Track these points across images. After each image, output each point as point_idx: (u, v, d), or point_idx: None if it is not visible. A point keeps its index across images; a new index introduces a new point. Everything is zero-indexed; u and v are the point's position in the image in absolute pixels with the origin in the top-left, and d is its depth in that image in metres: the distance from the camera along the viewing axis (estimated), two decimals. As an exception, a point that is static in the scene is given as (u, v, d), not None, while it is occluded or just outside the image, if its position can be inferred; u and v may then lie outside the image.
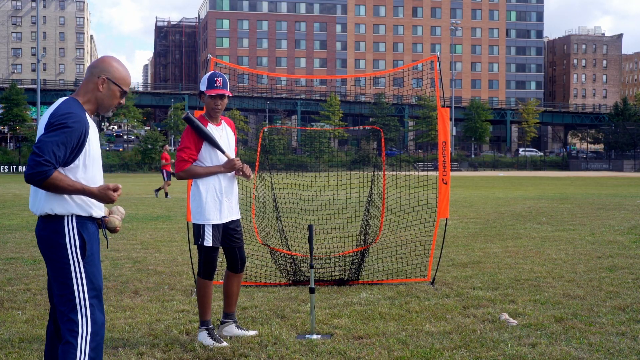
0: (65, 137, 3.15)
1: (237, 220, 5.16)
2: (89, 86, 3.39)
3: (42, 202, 3.28)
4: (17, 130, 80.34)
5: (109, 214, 3.52)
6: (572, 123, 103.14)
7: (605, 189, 29.91)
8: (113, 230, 3.49)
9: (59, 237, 3.27)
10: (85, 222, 3.33)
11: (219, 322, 5.34)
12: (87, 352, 3.23)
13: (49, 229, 3.29)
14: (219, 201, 4.96)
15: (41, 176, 3.09)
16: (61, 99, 3.34)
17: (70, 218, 3.29)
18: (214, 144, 4.90)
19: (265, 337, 5.11)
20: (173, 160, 20.33)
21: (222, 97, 4.98)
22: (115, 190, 3.29)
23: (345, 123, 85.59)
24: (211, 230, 4.93)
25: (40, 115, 71.48)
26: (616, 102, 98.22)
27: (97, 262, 3.38)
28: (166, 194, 22.44)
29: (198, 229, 4.96)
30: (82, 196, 3.28)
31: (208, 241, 4.93)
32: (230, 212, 5.04)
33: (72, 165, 3.25)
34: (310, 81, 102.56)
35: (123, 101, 3.46)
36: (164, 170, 22.39)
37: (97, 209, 3.40)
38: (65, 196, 3.25)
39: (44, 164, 3.08)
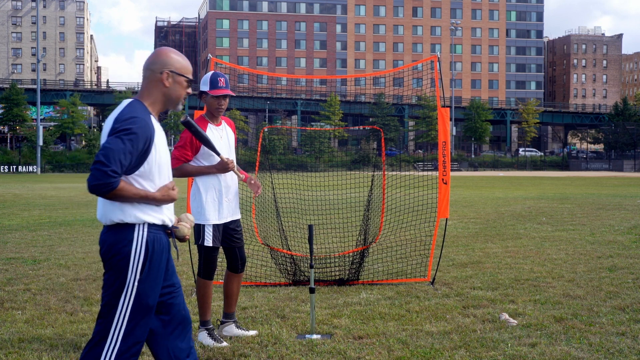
0: (131, 145, 2.97)
1: (238, 220, 5.15)
2: (153, 84, 3.21)
3: (111, 212, 3.09)
4: (17, 130, 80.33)
5: (177, 222, 3.34)
6: (572, 123, 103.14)
7: (605, 189, 29.91)
8: (182, 240, 3.32)
9: (124, 245, 3.08)
10: (156, 232, 3.16)
11: (219, 322, 5.33)
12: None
13: (116, 236, 3.09)
14: (219, 201, 4.95)
15: (108, 187, 2.92)
16: (125, 102, 3.16)
17: (141, 227, 3.11)
18: (211, 148, 4.87)
19: (265, 337, 5.11)
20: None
21: (225, 97, 4.98)
22: (173, 188, 3.18)
23: (345, 123, 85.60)
24: (211, 230, 4.93)
25: (41, 116, 71.25)
26: (616, 102, 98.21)
27: (158, 277, 3.18)
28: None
29: (198, 229, 4.96)
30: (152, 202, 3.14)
31: (208, 241, 4.93)
32: (230, 212, 5.04)
33: (135, 172, 3.07)
34: (310, 81, 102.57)
35: (190, 91, 3.32)
36: None
37: (169, 217, 3.24)
38: (139, 204, 3.09)
39: (111, 175, 2.90)
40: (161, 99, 3.22)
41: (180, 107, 3.33)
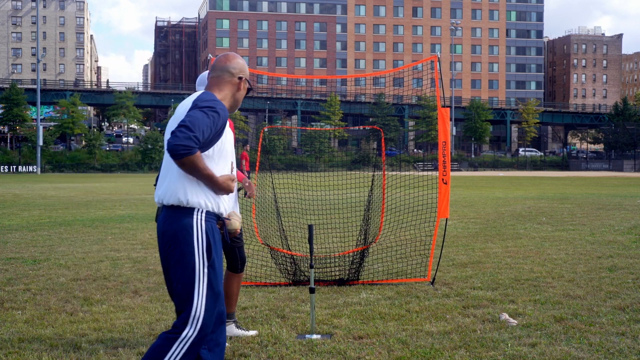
0: (211, 121, 3.06)
1: None
2: (227, 86, 3.34)
3: (174, 188, 3.13)
4: (17, 130, 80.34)
5: (228, 217, 3.40)
6: (572, 123, 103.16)
7: (605, 189, 29.91)
8: (232, 233, 3.37)
9: (187, 234, 3.13)
10: (212, 221, 3.21)
11: None
12: (182, 353, 3.10)
13: (177, 224, 3.13)
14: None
15: (187, 150, 2.94)
16: (199, 92, 3.26)
17: (200, 213, 3.16)
18: None
19: (265, 337, 5.11)
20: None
21: None
22: (233, 180, 3.22)
23: (345, 123, 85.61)
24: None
25: (41, 116, 71.22)
26: (616, 102, 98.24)
27: (220, 265, 3.25)
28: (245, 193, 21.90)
29: None
30: (216, 195, 3.19)
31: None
32: (229, 211, 5.06)
33: (205, 153, 3.14)
34: (310, 81, 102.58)
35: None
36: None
37: (225, 208, 3.28)
38: (200, 185, 3.13)
39: (193, 140, 2.95)
40: (230, 100, 3.36)
41: (236, 110, 3.47)
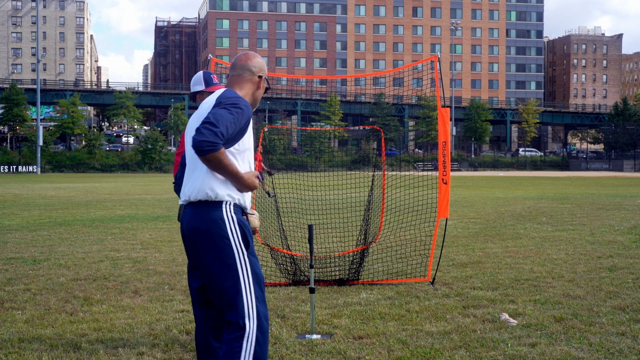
0: (235, 118, 3.07)
1: None
2: (247, 84, 3.36)
3: (202, 185, 3.13)
4: (17, 130, 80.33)
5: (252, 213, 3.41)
6: (572, 123, 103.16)
7: (605, 189, 29.91)
8: (253, 231, 3.37)
9: (219, 228, 3.12)
10: (239, 213, 3.21)
11: None
12: (253, 347, 3.11)
13: (207, 220, 3.13)
14: None
15: (212, 146, 2.95)
16: (221, 90, 3.29)
17: (228, 205, 3.15)
18: None
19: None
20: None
21: None
22: (257, 176, 3.23)
23: (345, 123, 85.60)
24: None
25: (41, 116, 71.17)
26: (616, 102, 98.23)
27: (255, 253, 3.28)
28: (268, 193, 21.56)
29: None
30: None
31: None
32: None
33: (229, 150, 3.15)
34: (310, 81, 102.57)
35: None
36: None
37: (248, 203, 3.28)
38: (230, 185, 3.14)
39: (218, 135, 2.97)
40: (250, 98, 3.37)
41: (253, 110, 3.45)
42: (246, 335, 3.10)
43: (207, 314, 3.34)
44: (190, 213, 3.20)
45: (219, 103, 3.14)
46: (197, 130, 2.99)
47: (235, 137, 3.12)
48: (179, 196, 3.51)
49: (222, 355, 3.13)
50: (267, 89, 3.48)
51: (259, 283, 3.21)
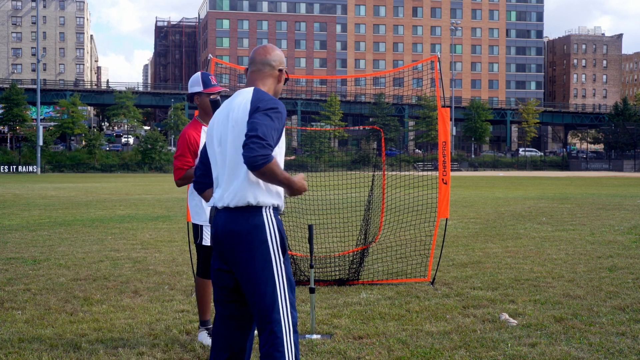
0: (277, 123, 3.03)
1: None
2: (269, 79, 3.30)
3: (244, 192, 3.08)
4: (17, 130, 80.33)
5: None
6: (572, 123, 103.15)
7: (605, 189, 29.91)
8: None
9: (260, 232, 3.09)
10: (277, 214, 3.18)
11: (199, 327, 5.28)
12: (293, 351, 3.11)
13: (247, 224, 3.08)
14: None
15: (265, 160, 2.91)
16: (251, 89, 3.20)
17: (268, 210, 3.12)
18: None
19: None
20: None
21: (219, 93, 5.01)
22: (305, 179, 3.19)
23: (345, 123, 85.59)
24: (209, 230, 4.95)
25: (41, 116, 70.95)
26: (616, 102, 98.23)
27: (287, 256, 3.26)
28: None
29: (197, 229, 4.99)
30: (277, 186, 3.14)
31: (206, 240, 4.96)
32: None
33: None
34: (310, 81, 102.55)
35: None
36: None
37: (282, 203, 3.24)
38: (269, 187, 3.10)
39: (268, 148, 2.92)
40: (272, 93, 3.32)
41: None
42: (284, 340, 3.11)
43: (233, 314, 3.31)
44: (228, 217, 3.14)
45: (256, 108, 3.06)
46: (246, 145, 2.93)
47: (277, 142, 3.09)
48: (201, 196, 3.47)
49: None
50: (285, 80, 3.44)
51: (292, 289, 3.21)
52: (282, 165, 3.23)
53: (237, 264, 3.15)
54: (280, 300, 3.13)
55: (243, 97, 3.17)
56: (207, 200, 3.43)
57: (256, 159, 2.91)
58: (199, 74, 5.00)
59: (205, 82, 4.95)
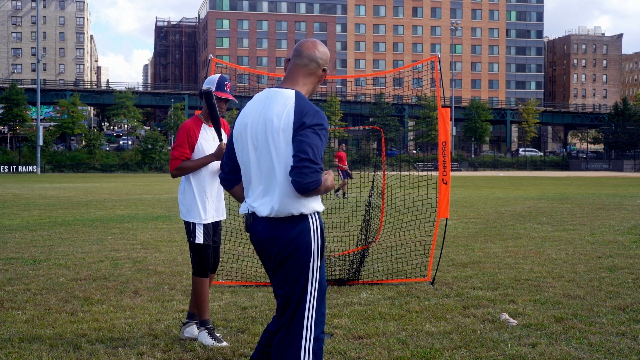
0: (324, 140, 2.95)
1: (219, 221, 5.18)
2: (312, 78, 3.13)
3: (285, 205, 2.98)
4: (17, 130, 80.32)
5: None
6: (572, 123, 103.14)
7: (605, 189, 29.91)
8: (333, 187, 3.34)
9: (306, 235, 3.02)
10: (320, 217, 3.12)
11: (181, 323, 5.31)
12: (310, 354, 3.04)
13: (293, 230, 3.01)
14: (205, 200, 4.99)
15: (317, 185, 2.86)
16: (291, 93, 3.02)
17: (314, 215, 3.06)
18: (217, 129, 4.91)
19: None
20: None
21: (227, 101, 5.04)
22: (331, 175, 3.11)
23: (345, 123, 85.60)
24: (202, 228, 4.96)
25: (41, 116, 70.79)
26: (616, 102, 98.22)
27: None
28: (344, 194, 19.56)
29: (189, 227, 5.01)
30: None
31: (199, 239, 4.97)
32: (217, 212, 5.08)
33: None
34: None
35: None
36: (340, 170, 20.87)
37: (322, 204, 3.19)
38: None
39: (319, 172, 2.87)
40: (311, 92, 3.17)
41: None
42: (302, 349, 3.04)
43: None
44: (269, 224, 3.05)
45: (303, 124, 2.92)
46: (297, 169, 2.84)
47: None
48: (230, 192, 3.37)
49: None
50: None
51: (322, 295, 3.13)
52: None
53: (277, 266, 3.08)
54: (308, 304, 3.06)
55: (284, 103, 3.00)
56: (235, 197, 3.34)
57: (309, 186, 2.85)
58: (218, 75, 5.05)
59: (219, 85, 5.00)
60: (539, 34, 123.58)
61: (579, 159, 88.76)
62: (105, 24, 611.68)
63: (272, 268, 3.12)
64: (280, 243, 3.03)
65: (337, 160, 21.45)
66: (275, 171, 3.00)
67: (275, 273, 3.10)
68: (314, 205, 3.06)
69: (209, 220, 5.00)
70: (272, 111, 3.00)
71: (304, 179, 2.83)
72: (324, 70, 3.18)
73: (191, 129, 4.96)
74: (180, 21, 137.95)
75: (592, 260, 8.55)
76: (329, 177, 3.03)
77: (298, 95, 3.02)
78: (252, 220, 3.13)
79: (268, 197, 3.03)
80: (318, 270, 3.09)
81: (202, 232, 4.97)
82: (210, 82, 5.02)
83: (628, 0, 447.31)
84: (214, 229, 5.10)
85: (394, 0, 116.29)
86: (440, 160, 7.09)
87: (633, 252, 9.32)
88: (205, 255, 5.01)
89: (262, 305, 6.16)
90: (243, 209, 3.19)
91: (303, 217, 3.03)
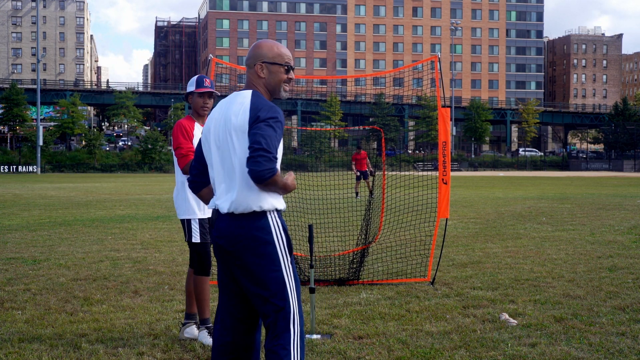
0: (279, 132, 3.05)
1: None
2: (253, 78, 3.29)
3: (246, 200, 3.10)
4: (17, 130, 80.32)
5: None
6: (572, 123, 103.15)
7: (605, 189, 29.91)
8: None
9: (266, 233, 3.12)
10: (280, 215, 3.22)
11: (180, 323, 5.32)
12: (299, 349, 3.12)
13: (251, 227, 3.11)
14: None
15: (272, 173, 2.94)
16: (248, 93, 3.19)
17: (272, 213, 3.16)
18: None
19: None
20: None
21: (210, 95, 5.13)
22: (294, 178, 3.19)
23: (345, 123, 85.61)
24: (197, 225, 4.97)
25: (41, 116, 70.92)
26: (616, 102, 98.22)
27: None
28: (371, 192, 20.15)
29: (185, 225, 5.03)
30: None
31: (196, 237, 4.98)
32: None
33: None
34: (310, 81, 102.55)
35: (292, 75, 3.33)
36: (360, 171, 20.84)
37: (284, 203, 3.29)
38: (270, 191, 3.12)
39: (273, 160, 2.96)
40: (264, 89, 3.30)
41: (284, 94, 3.33)
42: (291, 338, 3.12)
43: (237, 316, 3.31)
44: (231, 221, 3.15)
45: (257, 118, 3.06)
46: (252, 159, 2.95)
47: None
48: (197, 195, 3.45)
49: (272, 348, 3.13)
50: (288, 67, 3.29)
51: (299, 288, 3.23)
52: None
53: (245, 267, 3.14)
54: (291, 299, 3.14)
55: (241, 102, 3.16)
56: (203, 200, 3.43)
57: (264, 173, 2.93)
58: (196, 76, 5.23)
59: (198, 83, 5.12)
60: (539, 34, 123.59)
61: (579, 159, 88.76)
62: (104, 24, 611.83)
63: (237, 267, 3.16)
64: (242, 240, 3.12)
65: (353, 162, 21.17)
66: (236, 167, 3.14)
67: (245, 274, 3.15)
68: (274, 202, 3.15)
69: (205, 215, 5.02)
70: (231, 111, 3.17)
71: (258, 167, 2.94)
72: (254, 65, 3.29)
73: (186, 126, 5.03)
74: (180, 21, 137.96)
75: (592, 260, 8.55)
76: (290, 178, 3.15)
77: (254, 94, 3.19)
78: (217, 217, 3.25)
79: (229, 193, 3.17)
80: (290, 266, 3.18)
81: (198, 229, 4.97)
82: (190, 84, 5.15)
83: (628, 0, 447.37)
84: (210, 226, 5.11)
85: (394, 0, 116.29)
86: (440, 160, 7.09)
87: (633, 252, 9.32)
88: (204, 254, 5.02)
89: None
90: (210, 204, 3.33)
91: (262, 215, 3.13)
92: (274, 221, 3.15)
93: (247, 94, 3.20)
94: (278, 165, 3.11)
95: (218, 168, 3.22)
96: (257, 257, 3.11)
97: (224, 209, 3.16)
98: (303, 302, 6.24)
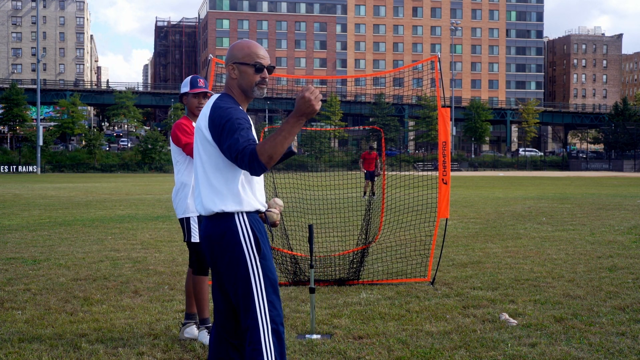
0: (236, 124, 3.06)
1: None
2: (228, 79, 3.39)
3: (208, 201, 3.22)
4: (17, 130, 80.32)
5: (268, 208, 3.48)
6: (572, 123, 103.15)
7: (605, 189, 29.91)
8: (273, 225, 3.45)
9: (232, 234, 3.20)
10: (254, 217, 3.27)
11: (180, 323, 5.32)
12: (273, 351, 3.16)
13: (220, 227, 3.20)
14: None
15: (254, 154, 2.96)
16: (214, 97, 3.30)
17: (240, 215, 3.22)
18: None
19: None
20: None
21: (205, 95, 5.13)
22: (310, 91, 3.06)
23: (345, 123, 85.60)
24: (196, 225, 4.98)
25: (41, 116, 71.08)
26: (616, 102, 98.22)
27: (270, 256, 3.32)
28: (364, 193, 18.86)
29: (184, 225, 5.03)
30: (248, 191, 3.22)
31: (195, 237, 4.98)
32: None
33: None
34: (310, 81, 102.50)
35: (265, 75, 3.35)
36: (367, 171, 20.54)
37: (262, 203, 3.34)
38: (235, 194, 3.18)
39: (253, 144, 2.99)
40: (237, 90, 3.35)
41: (258, 92, 3.35)
42: (262, 341, 3.16)
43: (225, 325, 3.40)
44: (206, 222, 3.29)
45: (217, 133, 3.12)
46: (244, 165, 3.01)
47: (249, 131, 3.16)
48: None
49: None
50: (259, 67, 3.30)
51: (273, 287, 3.26)
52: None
53: (217, 267, 3.28)
54: (257, 301, 3.19)
55: (207, 106, 3.27)
56: (273, 152, 3.50)
57: (253, 165, 2.97)
58: (189, 77, 5.28)
59: (192, 84, 5.15)
60: (539, 34, 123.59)
61: (579, 159, 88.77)
62: (104, 24, 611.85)
63: (212, 264, 3.30)
64: (213, 240, 3.24)
65: (362, 160, 20.90)
66: (197, 169, 3.29)
67: (220, 275, 3.28)
68: (238, 206, 3.21)
69: None
70: (202, 114, 3.28)
71: (245, 160, 3.00)
72: (227, 66, 3.37)
73: (185, 123, 5.07)
74: (180, 21, 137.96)
75: (592, 260, 8.55)
76: (272, 203, 3.32)
77: (218, 99, 3.28)
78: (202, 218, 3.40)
79: (198, 195, 3.31)
80: (258, 265, 3.22)
81: (197, 229, 4.97)
82: (184, 85, 5.17)
83: (628, 0, 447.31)
84: None
85: (394, 0, 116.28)
86: (440, 160, 7.09)
87: (633, 252, 9.32)
88: (203, 254, 5.02)
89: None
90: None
91: (229, 216, 3.22)
92: (241, 223, 3.22)
93: (213, 97, 3.31)
94: (255, 138, 3.14)
95: (194, 175, 3.37)
96: (225, 257, 3.22)
97: (198, 210, 3.32)
98: (303, 302, 6.25)
